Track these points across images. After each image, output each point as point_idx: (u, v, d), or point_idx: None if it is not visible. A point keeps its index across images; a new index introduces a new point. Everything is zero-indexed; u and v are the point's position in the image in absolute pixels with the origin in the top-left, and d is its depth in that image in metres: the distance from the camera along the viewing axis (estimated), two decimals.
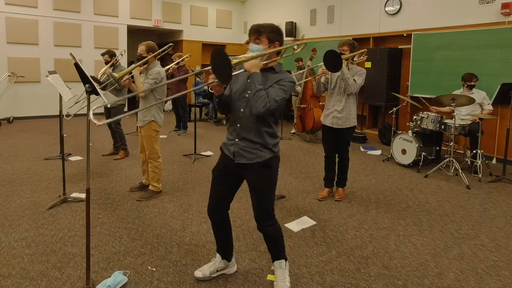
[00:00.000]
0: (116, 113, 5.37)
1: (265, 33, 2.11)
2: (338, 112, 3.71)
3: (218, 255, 2.43)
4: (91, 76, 2.34)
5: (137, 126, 4.47)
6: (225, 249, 2.42)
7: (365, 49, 4.15)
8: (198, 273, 2.39)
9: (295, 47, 2.30)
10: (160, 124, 3.73)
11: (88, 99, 2.32)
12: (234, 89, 2.21)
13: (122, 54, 6.00)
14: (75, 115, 4.56)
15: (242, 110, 2.14)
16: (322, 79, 3.78)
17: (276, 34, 2.14)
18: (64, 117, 4.10)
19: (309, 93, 6.94)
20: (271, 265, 2.38)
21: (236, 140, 2.16)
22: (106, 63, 5.33)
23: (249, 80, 2.08)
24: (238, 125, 2.16)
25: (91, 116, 1.81)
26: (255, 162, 2.13)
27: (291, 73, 2.41)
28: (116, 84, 4.92)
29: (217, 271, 2.42)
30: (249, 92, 2.08)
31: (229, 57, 1.86)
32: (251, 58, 2.04)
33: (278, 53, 2.18)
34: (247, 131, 2.13)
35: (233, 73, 1.96)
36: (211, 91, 2.51)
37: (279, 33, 2.16)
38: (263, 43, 2.11)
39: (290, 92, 2.13)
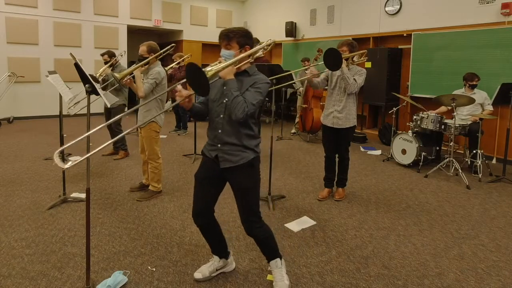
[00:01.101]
0: (116, 113, 5.37)
1: (235, 38, 2.12)
2: (338, 112, 3.71)
3: (215, 256, 2.43)
4: (89, 75, 2.34)
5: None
6: (220, 250, 2.42)
7: (365, 50, 4.15)
8: (198, 275, 2.38)
9: (265, 47, 2.29)
10: (161, 125, 3.73)
11: (88, 99, 2.32)
12: (211, 96, 2.21)
13: (122, 55, 5.99)
14: (75, 115, 4.56)
15: (221, 116, 2.15)
16: (315, 80, 3.76)
17: (245, 38, 2.14)
18: (68, 110, 3.99)
19: (310, 93, 6.96)
20: (268, 266, 2.38)
21: (219, 145, 2.16)
22: (106, 63, 5.32)
23: (225, 87, 2.08)
24: (220, 131, 2.16)
25: (55, 159, 1.63)
26: (240, 164, 2.13)
27: (292, 75, 2.41)
28: (117, 84, 4.94)
29: (217, 270, 2.43)
30: (226, 99, 2.08)
31: (203, 69, 1.86)
32: (225, 66, 2.03)
33: (250, 55, 2.18)
34: (229, 136, 2.14)
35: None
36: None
37: (248, 36, 2.17)
38: (234, 48, 2.12)
39: (266, 93, 2.14)
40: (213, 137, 2.20)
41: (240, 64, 2.12)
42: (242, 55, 2.10)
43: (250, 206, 2.19)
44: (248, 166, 2.15)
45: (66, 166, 1.72)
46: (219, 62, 2.09)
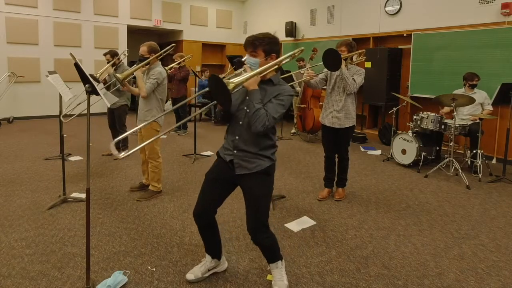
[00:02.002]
0: (119, 114, 5.37)
1: (261, 46, 2.07)
2: (337, 111, 3.71)
3: (208, 256, 2.42)
4: (89, 75, 2.34)
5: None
6: (215, 250, 2.41)
7: (363, 50, 4.15)
8: (190, 276, 2.37)
9: (293, 55, 2.23)
10: (161, 124, 3.73)
11: (88, 99, 2.32)
12: (232, 101, 2.19)
13: (125, 54, 5.96)
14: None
15: (240, 122, 2.12)
16: (312, 81, 3.76)
17: (272, 45, 2.09)
18: (62, 118, 3.92)
19: (309, 93, 6.95)
20: (268, 266, 2.37)
21: (235, 151, 2.14)
22: (108, 63, 5.31)
23: (247, 97, 2.05)
24: (237, 137, 2.13)
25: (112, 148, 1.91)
26: (255, 171, 2.11)
27: (290, 72, 2.37)
28: (118, 85, 4.93)
29: (209, 270, 2.41)
30: (247, 108, 2.06)
31: (225, 81, 1.83)
32: (249, 78, 1.98)
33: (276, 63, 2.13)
34: (246, 143, 2.11)
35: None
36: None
37: (275, 43, 2.12)
38: (260, 56, 2.08)
39: (289, 105, 2.11)
40: (230, 141, 2.17)
41: (265, 73, 2.07)
42: (268, 65, 2.06)
43: (259, 215, 2.15)
44: (263, 173, 2.12)
45: (121, 155, 1.97)
46: (244, 70, 2.05)
